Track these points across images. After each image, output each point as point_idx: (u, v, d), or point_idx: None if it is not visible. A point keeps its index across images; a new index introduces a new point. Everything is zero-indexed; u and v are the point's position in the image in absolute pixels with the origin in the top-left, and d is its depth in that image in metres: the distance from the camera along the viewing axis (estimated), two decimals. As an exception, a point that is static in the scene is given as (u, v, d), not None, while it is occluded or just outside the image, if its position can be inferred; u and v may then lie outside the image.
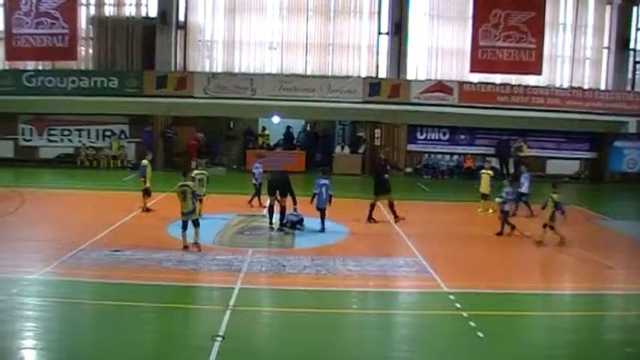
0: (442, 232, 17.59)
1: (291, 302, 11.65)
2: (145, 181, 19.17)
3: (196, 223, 14.84)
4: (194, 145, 30.25)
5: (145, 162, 19.51)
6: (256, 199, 20.27)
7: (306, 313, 10.95)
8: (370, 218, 18.55)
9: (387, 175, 18.82)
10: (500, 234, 17.43)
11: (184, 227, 14.62)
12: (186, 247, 14.52)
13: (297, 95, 29.57)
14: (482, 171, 20.94)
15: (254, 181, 20.27)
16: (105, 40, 31.26)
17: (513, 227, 17.60)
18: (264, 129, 32.78)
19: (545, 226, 16.37)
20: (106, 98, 29.21)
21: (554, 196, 16.28)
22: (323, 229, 17.16)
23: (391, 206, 18.74)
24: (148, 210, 18.97)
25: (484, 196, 20.53)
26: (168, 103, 29.59)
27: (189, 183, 15.11)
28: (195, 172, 18.05)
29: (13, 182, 23.99)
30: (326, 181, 17.58)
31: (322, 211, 17.32)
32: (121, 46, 31.27)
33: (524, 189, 20.06)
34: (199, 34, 31.76)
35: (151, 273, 12.57)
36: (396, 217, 18.67)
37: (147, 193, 19.13)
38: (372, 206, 18.67)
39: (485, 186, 20.59)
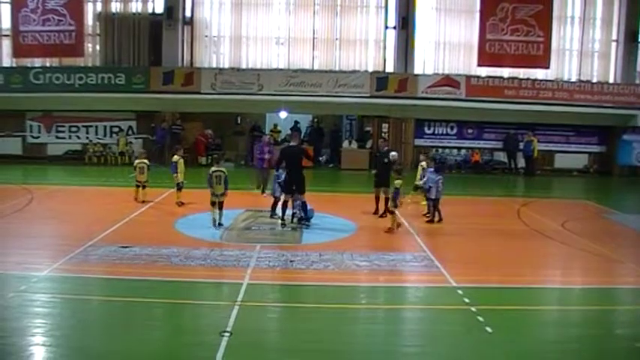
0: (450, 227, 17.54)
1: (299, 297, 11.66)
2: (177, 177, 19.31)
3: (221, 206, 16.54)
4: (201, 141, 30.31)
5: (175, 158, 19.56)
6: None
7: (314, 308, 10.93)
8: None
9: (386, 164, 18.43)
10: (431, 221, 17.74)
11: (220, 207, 16.54)
12: (220, 224, 16.40)
13: (304, 90, 29.55)
14: (422, 163, 20.37)
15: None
16: (112, 36, 31.30)
17: (440, 219, 17.87)
18: (275, 125, 32.77)
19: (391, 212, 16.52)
20: (113, 94, 29.27)
21: (397, 182, 16.47)
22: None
23: (386, 201, 18.41)
24: (181, 204, 19.18)
25: (416, 188, 20.08)
26: (175, 99, 29.63)
27: (223, 168, 16.81)
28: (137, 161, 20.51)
29: (22, 179, 24.08)
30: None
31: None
32: (128, 43, 31.30)
33: (422, 182, 18.97)
34: (206, 30, 31.79)
35: (159, 269, 12.57)
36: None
37: (179, 187, 19.39)
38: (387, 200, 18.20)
39: (418, 178, 20.08)
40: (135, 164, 20.44)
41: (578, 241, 16.18)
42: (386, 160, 18.54)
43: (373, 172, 18.93)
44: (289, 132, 31.77)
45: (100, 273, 12.37)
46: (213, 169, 16.69)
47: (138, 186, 19.98)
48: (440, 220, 17.91)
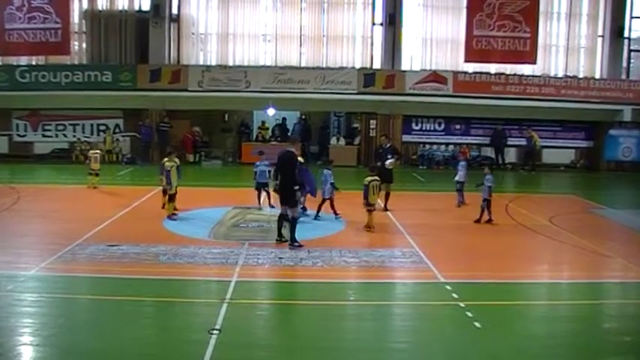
0: (438, 223, 17.60)
1: (288, 294, 11.66)
2: (162, 179, 18.08)
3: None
4: (188, 138, 30.22)
5: (166, 162, 18.21)
6: (265, 197, 18.79)
7: (302, 305, 10.95)
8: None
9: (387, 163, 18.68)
10: (490, 220, 17.46)
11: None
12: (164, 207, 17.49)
13: (291, 87, 29.53)
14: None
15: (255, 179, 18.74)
16: (98, 34, 31.20)
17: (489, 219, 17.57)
18: (263, 122, 32.72)
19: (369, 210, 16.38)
20: (100, 92, 29.14)
21: (367, 178, 16.37)
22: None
23: (386, 196, 18.71)
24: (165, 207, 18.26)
25: None
26: (163, 96, 29.52)
27: (176, 160, 17.67)
28: (90, 151, 22.97)
29: (8, 178, 23.91)
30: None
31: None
32: (115, 40, 31.21)
33: (458, 177, 20.21)
34: (193, 27, 31.70)
35: (147, 267, 12.53)
36: (385, 208, 18.66)
37: (165, 192, 18.19)
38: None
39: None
40: (89, 154, 22.67)
41: (566, 236, 16.25)
42: (389, 157, 18.68)
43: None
44: (275, 129, 31.85)
45: (88, 272, 12.32)
46: (169, 162, 17.36)
47: (91, 174, 22.05)
48: (489, 220, 17.52)
